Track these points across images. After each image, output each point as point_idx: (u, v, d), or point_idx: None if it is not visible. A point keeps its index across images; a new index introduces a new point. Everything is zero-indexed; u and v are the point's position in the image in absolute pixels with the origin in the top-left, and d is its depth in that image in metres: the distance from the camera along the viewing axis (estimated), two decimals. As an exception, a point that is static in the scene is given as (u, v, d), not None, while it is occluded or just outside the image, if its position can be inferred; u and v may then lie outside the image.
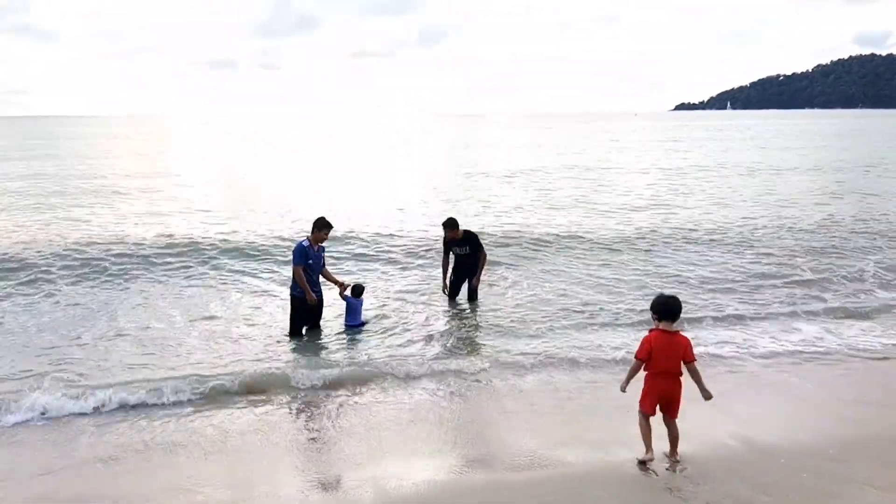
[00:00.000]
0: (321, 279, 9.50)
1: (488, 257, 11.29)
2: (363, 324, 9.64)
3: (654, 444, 5.87)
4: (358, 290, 9.77)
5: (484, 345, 9.31)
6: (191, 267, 13.45)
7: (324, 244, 9.46)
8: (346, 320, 9.60)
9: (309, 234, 9.24)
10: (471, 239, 10.85)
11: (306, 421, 7.17)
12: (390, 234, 16.34)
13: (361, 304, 9.71)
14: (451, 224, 10.77)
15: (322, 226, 9.15)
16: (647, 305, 6.16)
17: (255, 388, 7.65)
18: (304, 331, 9.42)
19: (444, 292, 11.03)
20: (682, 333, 5.91)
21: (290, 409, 7.40)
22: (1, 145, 62.64)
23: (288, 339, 9.32)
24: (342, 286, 9.57)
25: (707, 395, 5.77)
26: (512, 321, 10.24)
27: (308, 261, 9.07)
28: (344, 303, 9.69)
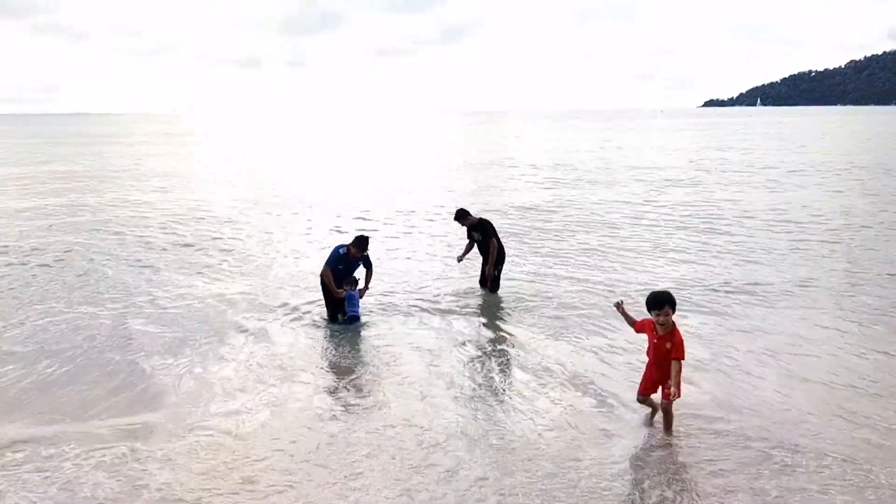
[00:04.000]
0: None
1: (502, 248, 11.11)
2: (358, 317, 9.62)
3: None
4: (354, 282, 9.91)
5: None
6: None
7: (366, 254, 9.87)
8: (348, 309, 9.62)
9: (350, 245, 9.72)
10: (482, 226, 11.02)
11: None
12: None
13: (358, 296, 9.75)
14: (458, 216, 11.15)
15: (363, 247, 9.67)
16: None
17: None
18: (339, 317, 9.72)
19: (458, 261, 11.40)
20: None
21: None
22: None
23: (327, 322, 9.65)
24: (351, 285, 9.71)
25: None
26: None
27: (339, 266, 9.62)
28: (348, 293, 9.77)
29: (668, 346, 5.84)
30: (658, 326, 5.88)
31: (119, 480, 5.26)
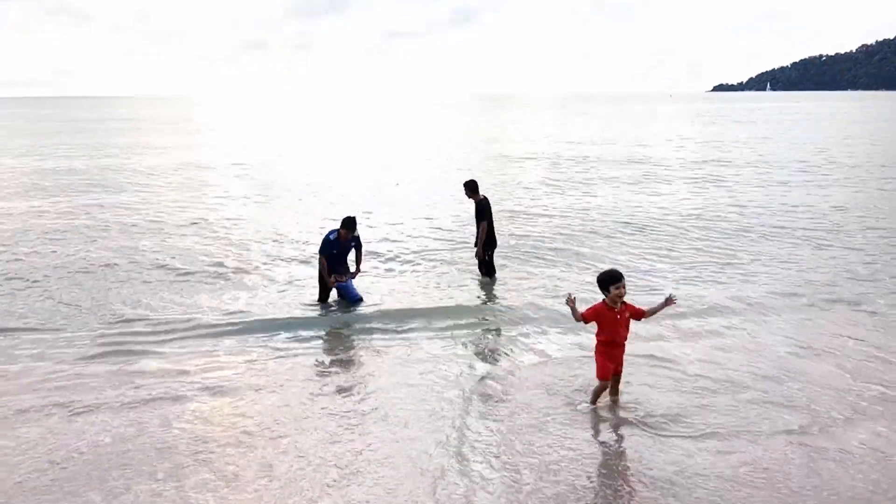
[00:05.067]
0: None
1: (486, 230, 11.36)
2: (361, 299, 10.40)
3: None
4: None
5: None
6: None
7: (356, 234, 10.32)
8: (349, 297, 10.33)
9: (339, 229, 10.22)
10: (479, 206, 11.28)
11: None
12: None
13: (351, 283, 10.41)
14: (467, 185, 11.41)
15: (351, 227, 10.12)
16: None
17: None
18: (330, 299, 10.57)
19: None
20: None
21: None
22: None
23: (318, 303, 10.51)
24: (345, 276, 10.30)
25: None
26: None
27: (333, 251, 10.17)
28: (339, 284, 10.41)
29: (628, 315, 6.54)
30: (612, 304, 6.43)
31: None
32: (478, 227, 11.40)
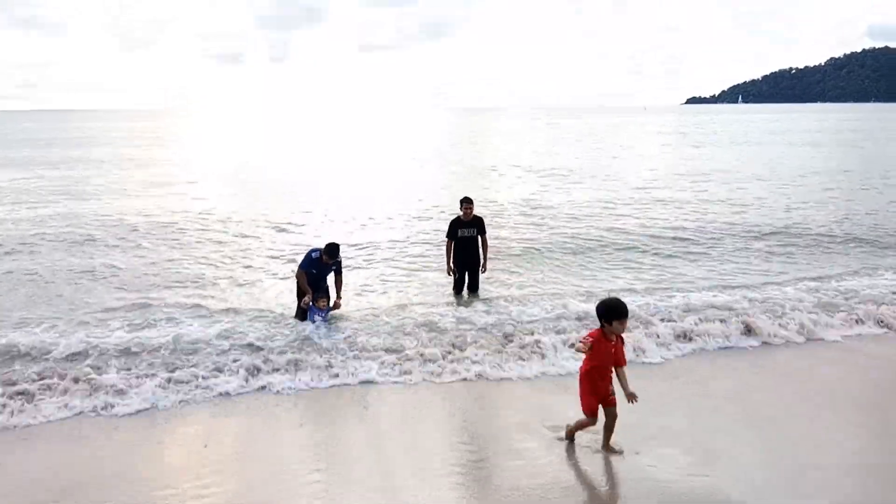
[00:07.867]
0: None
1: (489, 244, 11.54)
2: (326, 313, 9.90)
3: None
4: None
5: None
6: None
7: (338, 259, 10.12)
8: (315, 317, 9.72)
9: (322, 252, 9.91)
10: (479, 222, 11.13)
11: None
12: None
13: (324, 315, 9.82)
14: (467, 200, 11.06)
15: (333, 254, 9.90)
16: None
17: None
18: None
19: (449, 274, 11.31)
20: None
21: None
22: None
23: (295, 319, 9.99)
24: (325, 301, 9.89)
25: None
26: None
27: (312, 270, 9.89)
28: (313, 309, 9.84)
29: (614, 351, 5.88)
30: (612, 335, 5.83)
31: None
32: (469, 243, 11.12)
